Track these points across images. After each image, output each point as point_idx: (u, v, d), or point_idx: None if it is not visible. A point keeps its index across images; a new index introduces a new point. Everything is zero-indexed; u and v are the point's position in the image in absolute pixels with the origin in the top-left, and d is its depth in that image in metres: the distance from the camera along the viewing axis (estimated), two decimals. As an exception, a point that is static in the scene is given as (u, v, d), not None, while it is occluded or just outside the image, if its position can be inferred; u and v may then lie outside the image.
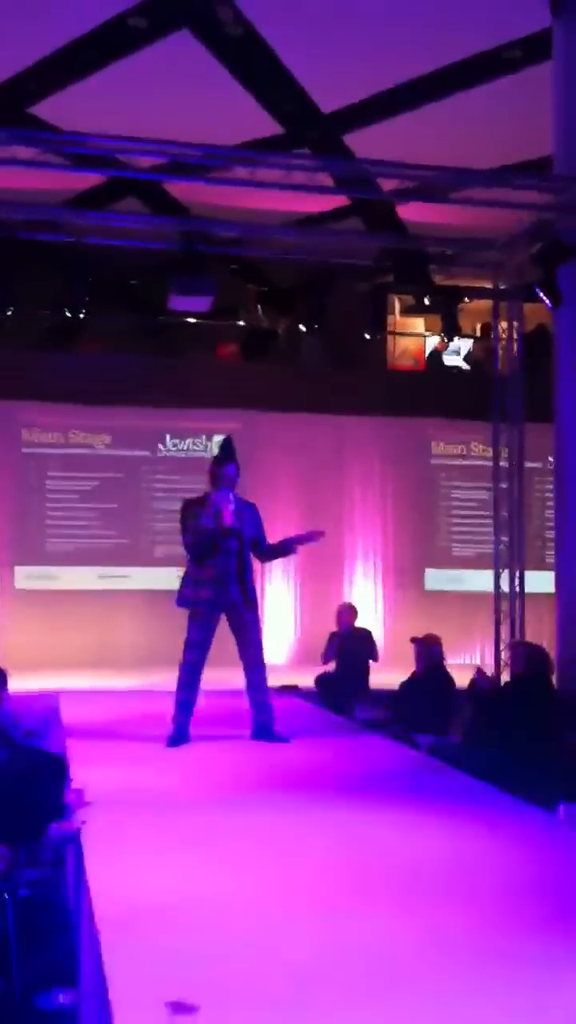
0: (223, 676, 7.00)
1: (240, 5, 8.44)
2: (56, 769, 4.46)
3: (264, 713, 6.59)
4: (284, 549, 6.76)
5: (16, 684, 7.18)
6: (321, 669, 9.35)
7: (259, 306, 13.14)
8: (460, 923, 3.33)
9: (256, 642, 6.57)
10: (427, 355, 14.09)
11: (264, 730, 6.54)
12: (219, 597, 6.43)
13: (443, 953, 3.09)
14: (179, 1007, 2.62)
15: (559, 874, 3.97)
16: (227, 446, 6.74)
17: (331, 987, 2.83)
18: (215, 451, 12.57)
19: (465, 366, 13.92)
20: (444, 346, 13.37)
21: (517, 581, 10.27)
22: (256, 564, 6.77)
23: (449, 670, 7.85)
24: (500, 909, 3.49)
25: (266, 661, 6.67)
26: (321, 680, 9.20)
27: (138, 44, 8.87)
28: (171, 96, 9.54)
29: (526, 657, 7.17)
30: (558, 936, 3.27)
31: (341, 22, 8.58)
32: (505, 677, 9.40)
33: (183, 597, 6.53)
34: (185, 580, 6.56)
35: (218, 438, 12.83)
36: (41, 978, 3.05)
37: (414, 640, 7.84)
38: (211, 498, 6.42)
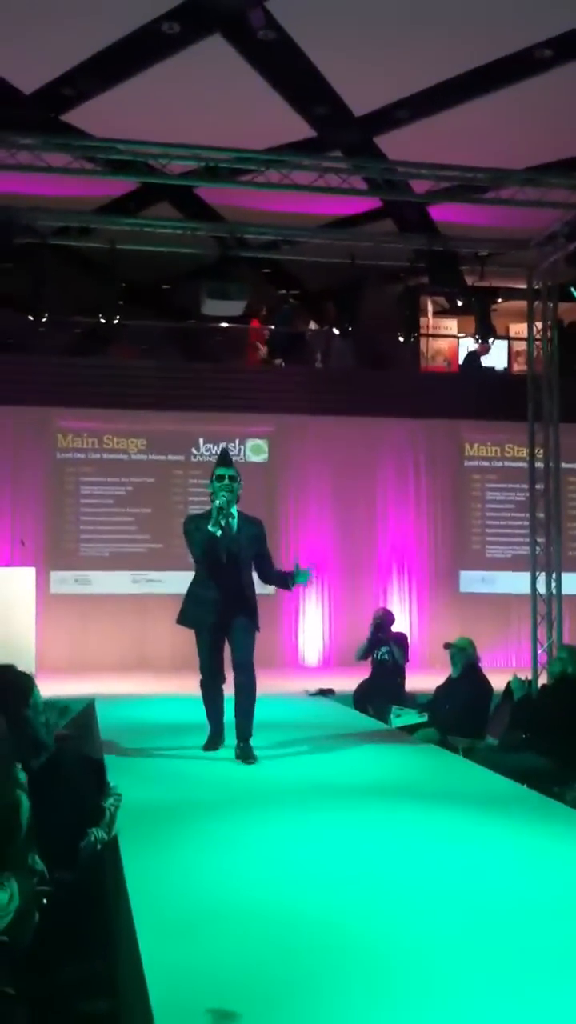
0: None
1: (272, 9, 8.43)
2: (93, 774, 4.47)
3: (245, 718, 6.20)
4: (283, 583, 6.51)
5: (52, 689, 7.22)
6: (356, 672, 9.31)
7: (294, 310, 13.16)
8: (493, 926, 3.31)
9: (247, 645, 6.28)
10: (461, 357, 14.02)
11: (241, 737, 6.18)
12: (220, 619, 6.28)
13: (476, 955, 3.08)
14: (219, 1015, 2.62)
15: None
16: (224, 456, 6.52)
17: (373, 992, 2.82)
18: (249, 456, 12.69)
19: (503, 365, 13.84)
20: (485, 350, 13.21)
21: (554, 583, 10.20)
22: (257, 580, 6.49)
23: (484, 672, 7.79)
24: (536, 912, 3.46)
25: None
26: (359, 686, 9.14)
27: (171, 50, 8.89)
28: (203, 101, 9.55)
29: (567, 660, 7.12)
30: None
31: (372, 24, 8.55)
32: (542, 680, 9.33)
33: (184, 616, 6.40)
34: (187, 598, 6.41)
35: (252, 442, 12.90)
36: (81, 982, 3.07)
37: (447, 646, 7.77)
38: (214, 514, 6.18)
